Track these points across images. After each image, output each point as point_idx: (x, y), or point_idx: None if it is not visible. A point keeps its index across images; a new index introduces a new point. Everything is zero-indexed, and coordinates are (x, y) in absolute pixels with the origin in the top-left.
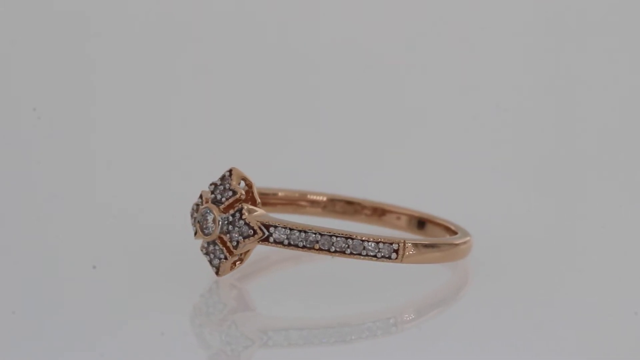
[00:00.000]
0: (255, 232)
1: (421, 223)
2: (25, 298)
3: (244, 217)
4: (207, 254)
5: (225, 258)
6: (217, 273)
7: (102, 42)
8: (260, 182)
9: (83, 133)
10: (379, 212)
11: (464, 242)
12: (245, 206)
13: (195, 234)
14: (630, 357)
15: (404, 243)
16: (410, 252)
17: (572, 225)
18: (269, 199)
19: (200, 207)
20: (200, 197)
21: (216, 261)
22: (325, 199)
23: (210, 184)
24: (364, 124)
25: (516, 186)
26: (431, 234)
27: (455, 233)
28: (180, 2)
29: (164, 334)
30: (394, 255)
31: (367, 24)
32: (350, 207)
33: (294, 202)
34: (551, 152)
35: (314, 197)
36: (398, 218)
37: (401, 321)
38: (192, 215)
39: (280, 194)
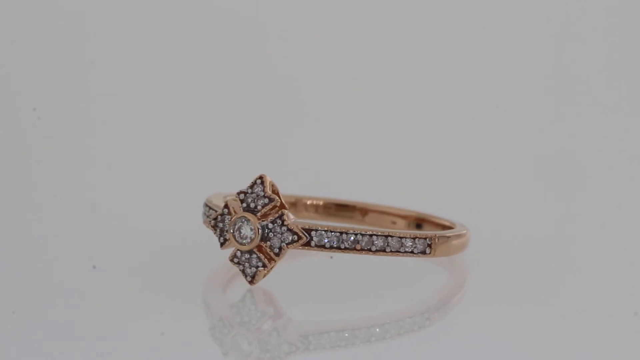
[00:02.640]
0: (299, 238)
1: (418, 224)
2: (26, 298)
3: (286, 223)
4: (239, 263)
5: (264, 266)
6: (251, 282)
7: (102, 42)
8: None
9: (83, 133)
10: (376, 214)
11: (467, 231)
12: (286, 212)
13: (223, 244)
14: (630, 357)
15: (436, 236)
16: (440, 245)
17: (571, 225)
18: None
19: (229, 216)
20: (226, 206)
21: (251, 270)
22: (321, 203)
23: (239, 193)
24: (362, 125)
25: (515, 186)
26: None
27: (452, 228)
28: (182, 4)
29: (164, 334)
30: (427, 249)
31: (365, 23)
32: (346, 210)
33: (291, 207)
34: (550, 151)
35: (310, 202)
36: (394, 222)
37: (434, 316)
38: (215, 226)
39: None
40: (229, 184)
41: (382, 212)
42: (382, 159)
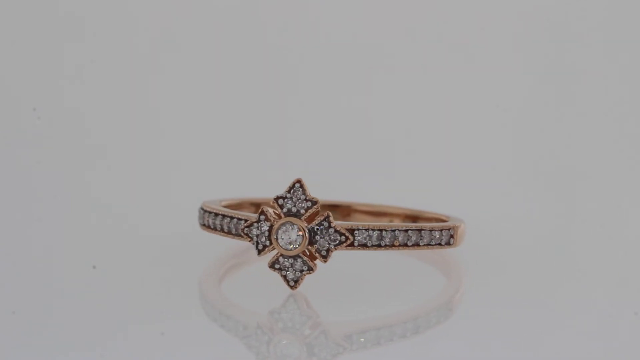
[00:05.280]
0: (347, 238)
1: (414, 222)
2: (26, 298)
3: (332, 224)
4: (280, 269)
5: (310, 269)
6: (293, 287)
7: (103, 43)
8: (250, 192)
9: (83, 133)
10: (372, 213)
11: (462, 222)
12: (330, 213)
13: (262, 250)
14: (630, 357)
15: (456, 227)
16: (458, 235)
17: (570, 225)
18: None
19: (266, 222)
20: (262, 213)
21: (295, 274)
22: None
23: (277, 198)
24: (359, 126)
25: (514, 186)
26: None
27: (447, 220)
28: (181, 5)
29: (163, 334)
30: (451, 240)
31: (363, 23)
32: (341, 211)
33: None
34: (550, 152)
35: None
36: (391, 221)
37: (455, 305)
38: (247, 234)
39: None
40: (223, 185)
41: (382, 213)
42: (377, 159)
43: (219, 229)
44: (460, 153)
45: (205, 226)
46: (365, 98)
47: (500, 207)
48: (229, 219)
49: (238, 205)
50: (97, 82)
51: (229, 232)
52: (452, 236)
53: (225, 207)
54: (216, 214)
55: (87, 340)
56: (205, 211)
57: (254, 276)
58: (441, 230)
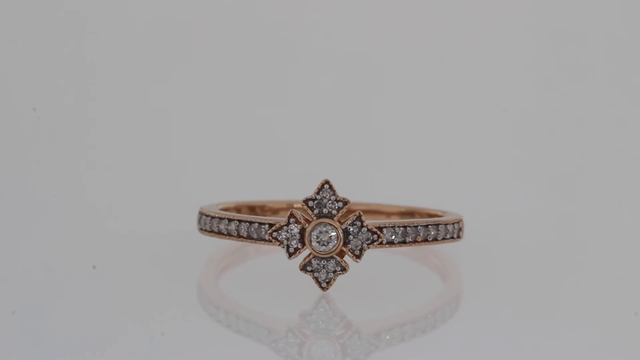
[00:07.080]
0: (379, 237)
1: (411, 217)
2: (26, 298)
3: (365, 224)
4: (312, 271)
5: (343, 270)
6: (325, 288)
7: (103, 43)
8: (247, 192)
9: (83, 133)
10: (368, 212)
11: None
12: (362, 212)
13: (293, 253)
14: (630, 357)
15: (462, 220)
16: (464, 228)
17: (571, 225)
18: (261, 211)
19: (296, 225)
20: (292, 215)
21: (328, 275)
22: None
23: (307, 200)
24: (356, 125)
25: (514, 186)
26: None
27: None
28: (181, 7)
29: (163, 334)
30: (460, 233)
31: (363, 21)
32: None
33: (284, 211)
34: (550, 151)
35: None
36: (388, 217)
37: (461, 300)
38: (276, 238)
39: (268, 205)
40: (222, 185)
41: (378, 212)
42: (376, 159)
43: (235, 235)
44: (460, 153)
45: (215, 232)
46: (362, 97)
47: (500, 206)
48: (247, 223)
49: (236, 209)
50: (97, 82)
51: (249, 237)
52: (460, 229)
53: (223, 210)
54: (230, 220)
55: (87, 340)
56: (214, 217)
57: (255, 278)
58: (453, 224)
